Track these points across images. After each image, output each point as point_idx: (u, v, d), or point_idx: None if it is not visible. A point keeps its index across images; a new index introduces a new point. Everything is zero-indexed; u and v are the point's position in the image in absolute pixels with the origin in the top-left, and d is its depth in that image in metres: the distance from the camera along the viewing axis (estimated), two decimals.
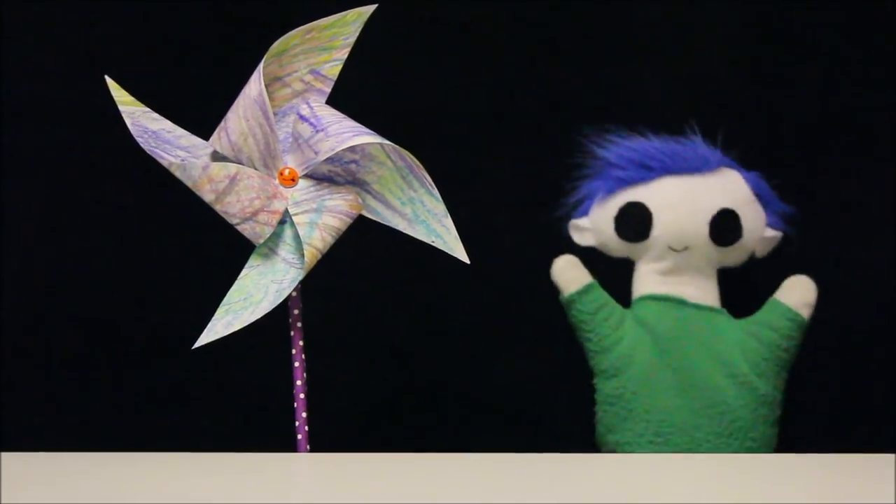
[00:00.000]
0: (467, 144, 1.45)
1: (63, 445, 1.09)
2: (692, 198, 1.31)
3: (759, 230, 1.33)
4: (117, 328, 1.46)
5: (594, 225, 1.34)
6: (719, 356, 1.29)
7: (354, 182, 1.12)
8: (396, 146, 1.09)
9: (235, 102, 1.09)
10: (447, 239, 1.11)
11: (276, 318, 1.11)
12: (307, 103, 1.11)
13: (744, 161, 1.36)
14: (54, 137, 1.45)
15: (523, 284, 1.45)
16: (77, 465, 1.03)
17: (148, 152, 1.09)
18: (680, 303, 1.31)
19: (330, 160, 1.09)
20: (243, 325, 1.08)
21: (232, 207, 1.08)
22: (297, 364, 1.13)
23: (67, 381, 1.46)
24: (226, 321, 1.08)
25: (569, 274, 1.33)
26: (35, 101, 1.45)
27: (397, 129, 1.16)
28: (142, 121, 1.10)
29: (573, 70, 1.45)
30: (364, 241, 1.17)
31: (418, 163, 1.10)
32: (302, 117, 1.10)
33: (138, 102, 1.10)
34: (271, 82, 1.09)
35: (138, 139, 1.09)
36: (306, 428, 1.13)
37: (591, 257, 1.34)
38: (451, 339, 1.47)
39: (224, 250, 1.12)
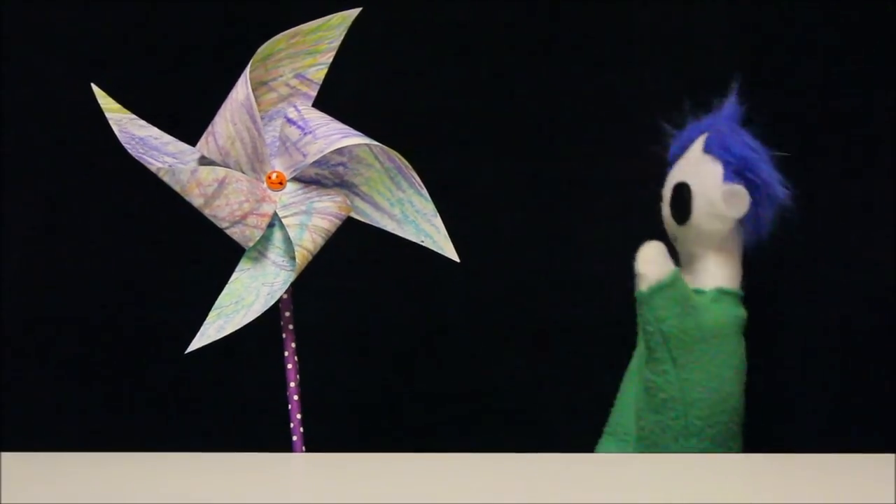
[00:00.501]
0: (467, 145, 1.45)
1: (63, 445, 1.08)
2: (666, 186, 1.31)
3: (711, 190, 1.27)
4: (116, 329, 1.46)
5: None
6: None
7: (342, 184, 1.12)
8: (385, 147, 1.09)
9: (222, 107, 1.09)
10: (437, 238, 1.11)
11: (269, 321, 1.11)
12: (294, 106, 1.11)
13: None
14: (54, 137, 1.45)
15: (522, 284, 1.45)
16: (76, 465, 1.03)
17: (136, 159, 1.09)
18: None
19: (317, 163, 1.09)
20: (236, 328, 1.08)
21: (221, 211, 1.08)
22: (290, 365, 1.13)
23: (67, 381, 1.46)
24: (218, 325, 1.08)
25: (653, 264, 1.27)
26: (35, 101, 1.45)
27: (394, 129, 1.16)
28: (129, 128, 1.10)
29: (573, 70, 1.45)
30: (356, 242, 1.17)
31: (407, 163, 1.10)
32: (289, 120, 1.10)
33: (125, 110, 1.10)
34: (257, 87, 1.09)
35: (126, 146, 1.09)
36: (301, 429, 1.13)
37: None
38: (446, 340, 1.47)
39: (224, 251, 1.12)
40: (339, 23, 1.11)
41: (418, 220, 1.11)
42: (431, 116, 1.45)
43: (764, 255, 1.37)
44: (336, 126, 1.10)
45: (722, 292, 1.29)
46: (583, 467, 1.07)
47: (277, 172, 1.10)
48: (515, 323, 1.45)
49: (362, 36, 1.13)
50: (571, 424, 1.41)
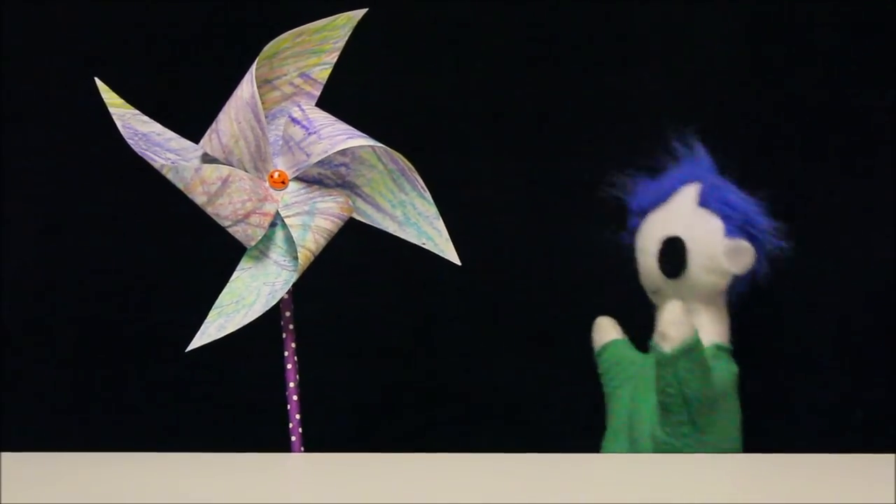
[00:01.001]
0: (467, 145, 1.45)
1: (63, 445, 1.08)
2: (646, 237, 1.32)
3: (710, 247, 1.29)
4: (116, 329, 1.46)
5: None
6: None
7: (344, 185, 1.12)
8: (388, 149, 1.09)
9: (227, 105, 1.09)
10: (438, 241, 1.11)
11: (269, 321, 1.11)
12: (299, 106, 1.11)
13: (742, 160, 1.35)
14: (54, 137, 1.45)
15: (521, 285, 1.45)
16: (76, 465, 1.03)
17: (139, 154, 1.08)
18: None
19: (320, 163, 1.09)
20: (236, 327, 1.08)
21: (224, 209, 1.08)
22: (289, 365, 1.13)
23: (67, 381, 1.46)
24: (218, 324, 1.08)
25: (604, 331, 1.35)
26: (35, 101, 1.45)
27: (397, 130, 1.16)
28: (132, 123, 1.10)
29: (573, 71, 1.45)
30: (357, 243, 1.17)
31: (410, 165, 1.10)
32: (294, 120, 1.09)
33: (128, 105, 1.10)
34: (261, 85, 1.09)
35: (129, 141, 1.09)
36: (300, 429, 1.13)
37: None
38: (445, 340, 1.47)
39: (223, 251, 1.12)
40: (345, 23, 1.11)
41: (420, 223, 1.11)
42: (432, 117, 1.45)
43: (764, 255, 1.37)
44: (341, 127, 1.10)
45: (719, 348, 1.31)
46: (583, 467, 1.07)
47: (280, 171, 1.10)
48: (515, 323, 1.45)
49: (366, 36, 1.13)
50: (571, 424, 1.41)
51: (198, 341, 1.08)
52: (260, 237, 1.09)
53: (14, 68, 1.45)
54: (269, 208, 1.09)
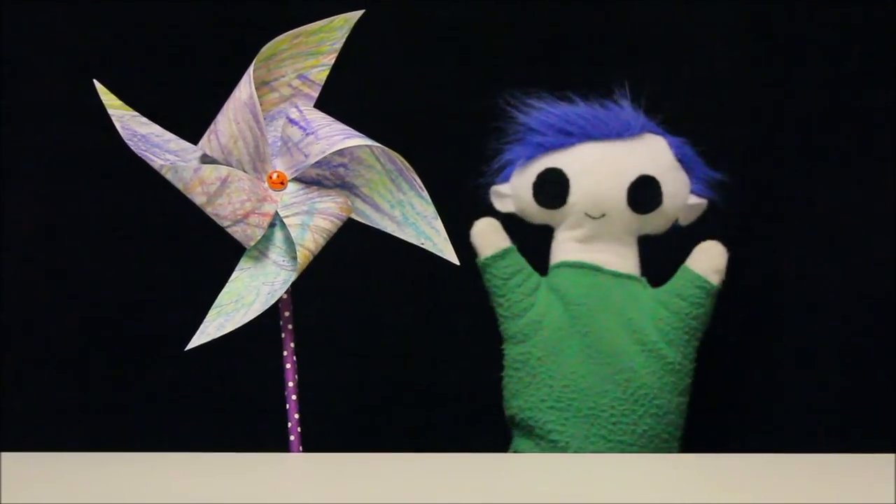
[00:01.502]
0: (466, 145, 1.45)
1: (63, 445, 1.08)
2: (611, 163, 1.30)
3: (680, 197, 1.31)
4: (116, 329, 1.46)
5: (514, 191, 1.33)
6: (630, 323, 1.28)
7: (343, 185, 1.12)
8: (386, 149, 1.09)
9: (225, 106, 1.09)
10: (437, 241, 1.11)
11: (268, 320, 1.11)
12: (296, 107, 1.11)
13: (743, 160, 1.36)
14: (54, 137, 1.45)
15: None
16: (76, 465, 1.03)
17: (139, 155, 1.09)
18: (595, 270, 1.30)
19: (318, 164, 1.09)
20: (235, 326, 1.08)
21: (223, 210, 1.09)
22: (288, 365, 1.13)
23: (67, 381, 1.46)
24: (218, 323, 1.08)
25: (487, 237, 1.32)
26: (35, 101, 1.45)
27: (395, 131, 1.16)
28: (131, 124, 1.10)
29: (573, 71, 1.45)
30: (356, 243, 1.17)
31: (408, 165, 1.10)
32: (291, 121, 1.10)
33: (126, 106, 1.10)
34: (259, 87, 1.09)
35: (128, 142, 1.09)
36: (299, 429, 1.13)
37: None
38: (444, 340, 1.47)
39: (223, 251, 1.12)
40: (342, 24, 1.11)
41: (419, 223, 1.11)
42: (432, 116, 1.45)
43: (763, 255, 1.37)
44: (338, 127, 1.10)
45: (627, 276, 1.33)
46: (583, 467, 1.07)
47: (279, 172, 1.10)
48: None
49: (364, 37, 1.13)
50: None
51: (197, 340, 1.08)
52: (259, 237, 1.10)
53: (14, 68, 1.45)
54: (268, 209, 1.09)
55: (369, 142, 1.09)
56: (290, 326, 1.13)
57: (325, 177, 1.11)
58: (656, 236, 1.33)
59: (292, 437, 1.13)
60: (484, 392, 1.40)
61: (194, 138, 1.11)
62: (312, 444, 1.13)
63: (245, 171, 1.09)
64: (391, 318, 1.47)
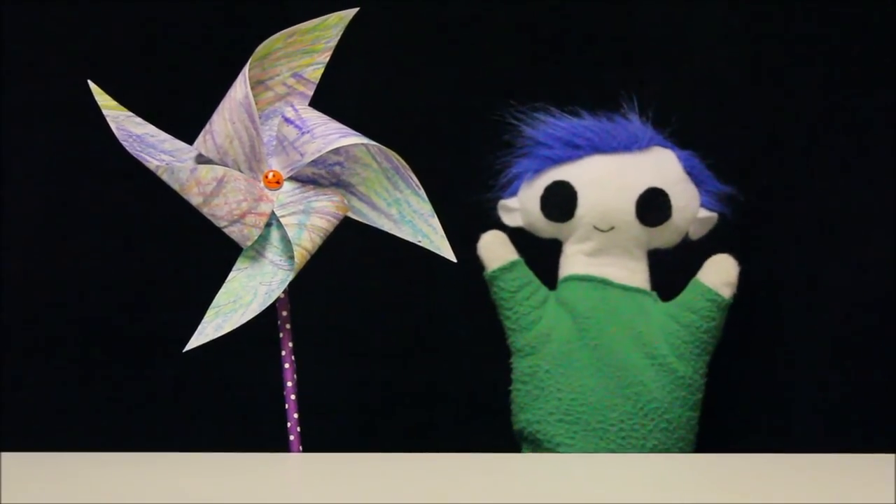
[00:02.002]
0: (466, 145, 1.45)
1: (63, 445, 1.08)
2: (619, 176, 1.29)
3: (690, 210, 1.30)
4: (116, 329, 1.46)
5: (522, 205, 1.33)
6: (640, 337, 1.28)
7: (339, 184, 1.12)
8: (382, 147, 1.09)
9: (220, 105, 1.09)
10: (434, 238, 1.11)
11: (266, 320, 1.11)
12: (292, 106, 1.11)
13: (742, 161, 1.36)
14: (54, 137, 1.45)
15: None
16: (76, 465, 1.03)
17: (134, 156, 1.09)
18: (604, 283, 1.30)
19: (314, 162, 1.09)
20: (233, 327, 1.08)
21: (219, 210, 1.08)
22: (287, 365, 1.13)
23: (67, 381, 1.46)
24: (216, 324, 1.08)
25: (494, 250, 1.32)
26: (35, 101, 1.45)
27: (392, 129, 1.16)
28: (126, 125, 1.10)
29: (574, 70, 1.45)
30: (354, 242, 1.17)
31: (404, 163, 1.10)
32: (287, 120, 1.10)
33: (121, 107, 1.10)
34: (254, 86, 1.09)
35: (123, 143, 1.09)
36: (298, 429, 1.13)
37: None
38: (443, 340, 1.47)
39: (222, 251, 1.12)
40: (336, 22, 1.11)
41: (415, 221, 1.11)
42: (430, 116, 1.45)
43: (763, 255, 1.37)
44: (334, 126, 1.10)
45: (638, 290, 1.32)
46: (583, 467, 1.07)
47: (274, 172, 1.10)
48: None
49: (359, 35, 1.13)
50: None
51: (195, 341, 1.08)
52: (256, 237, 1.09)
53: (14, 68, 1.45)
54: (265, 208, 1.09)
55: (365, 140, 1.09)
56: (288, 326, 1.13)
57: (321, 175, 1.11)
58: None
59: (292, 437, 1.13)
60: (484, 392, 1.40)
61: (189, 138, 1.11)
62: (312, 444, 1.13)
63: (241, 171, 1.09)
64: (389, 317, 1.47)
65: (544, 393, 1.28)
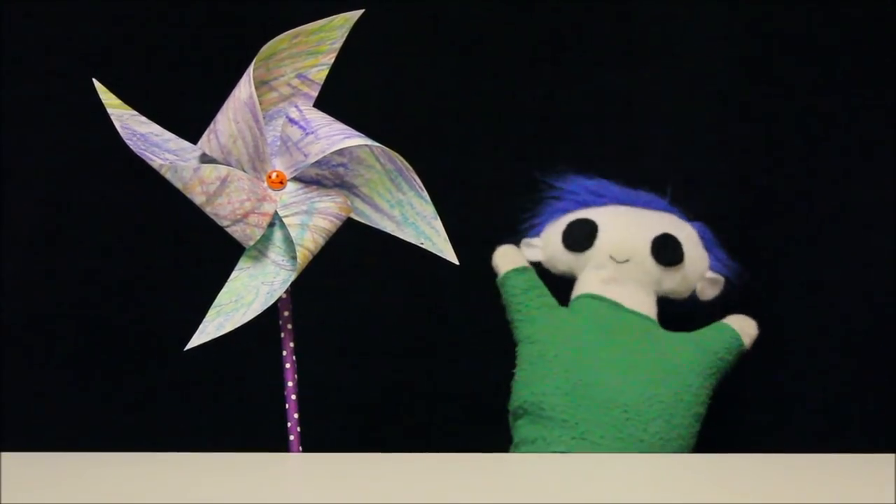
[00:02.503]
0: (466, 146, 1.45)
1: (63, 445, 1.08)
2: (638, 218, 1.35)
3: (701, 264, 1.36)
4: (116, 328, 1.46)
5: (544, 241, 1.38)
6: (650, 352, 1.30)
7: (342, 185, 1.12)
8: (386, 149, 1.09)
9: (225, 105, 1.09)
10: (436, 241, 1.11)
11: (268, 320, 1.11)
12: (296, 106, 1.11)
13: (741, 161, 1.36)
14: (54, 137, 1.45)
15: None
16: (76, 465, 1.03)
17: (138, 154, 1.09)
18: (616, 305, 1.33)
19: (318, 163, 1.09)
20: (235, 326, 1.08)
21: (223, 209, 1.08)
22: (288, 365, 1.13)
23: (67, 381, 1.46)
24: (217, 323, 1.08)
25: (507, 257, 1.37)
26: (35, 101, 1.45)
27: (394, 130, 1.16)
28: (130, 124, 1.10)
29: (573, 70, 1.45)
30: (356, 243, 1.17)
31: (408, 165, 1.10)
32: (291, 120, 1.10)
33: (126, 105, 1.10)
34: (259, 86, 1.09)
35: (127, 141, 1.09)
36: (298, 428, 1.13)
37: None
38: (444, 340, 1.47)
39: (223, 251, 1.12)
40: (342, 24, 1.11)
41: (418, 223, 1.11)
42: (431, 117, 1.45)
43: (763, 255, 1.37)
44: (338, 127, 1.10)
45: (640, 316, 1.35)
46: (583, 467, 1.07)
47: (278, 172, 1.10)
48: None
49: (363, 36, 1.13)
50: None
51: (197, 339, 1.08)
52: (258, 237, 1.09)
53: (14, 68, 1.45)
54: (268, 208, 1.09)
55: (369, 141, 1.09)
56: (289, 326, 1.13)
57: (324, 176, 1.11)
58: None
59: (292, 437, 1.13)
60: (484, 392, 1.40)
61: (193, 138, 1.11)
62: (312, 444, 1.13)
63: (244, 171, 1.09)
64: (390, 318, 1.47)
65: (552, 372, 1.30)
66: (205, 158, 1.10)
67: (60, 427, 1.45)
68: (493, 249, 1.40)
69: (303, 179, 1.11)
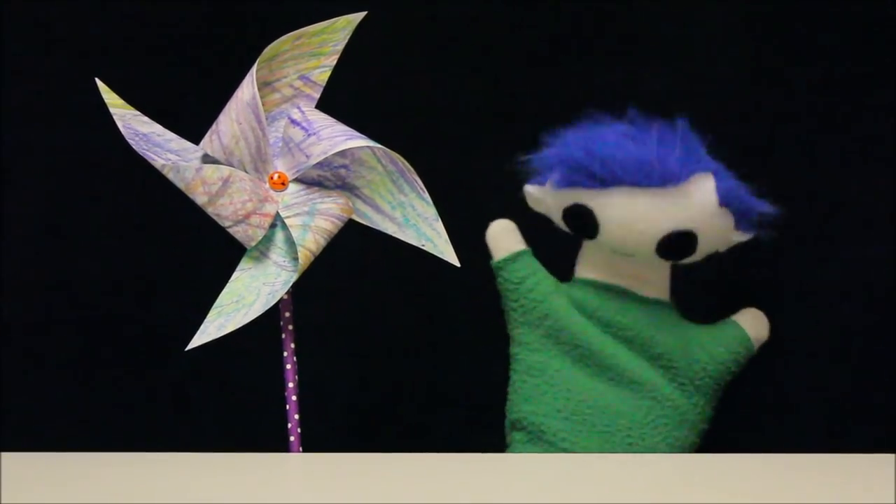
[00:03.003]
0: (467, 146, 1.45)
1: (63, 445, 1.08)
2: (643, 217, 1.24)
3: (719, 242, 1.28)
4: (116, 328, 1.46)
5: (545, 201, 1.30)
6: (659, 358, 1.29)
7: (344, 186, 1.12)
8: (388, 150, 1.10)
9: (227, 106, 1.09)
10: (438, 242, 1.11)
11: (269, 321, 1.11)
12: (298, 108, 1.11)
13: (742, 162, 1.35)
14: (54, 137, 1.45)
15: None
16: (76, 465, 1.03)
17: (140, 154, 1.09)
18: (622, 292, 1.30)
19: (320, 164, 1.10)
20: (236, 327, 1.08)
21: (224, 210, 1.09)
22: (289, 366, 1.13)
23: (67, 381, 1.46)
24: (218, 323, 1.09)
25: (500, 240, 1.32)
26: (35, 101, 1.45)
27: (396, 131, 1.16)
28: (132, 123, 1.10)
29: (574, 70, 1.45)
30: (356, 244, 1.17)
31: (410, 167, 1.10)
32: (293, 121, 1.10)
33: (128, 105, 1.10)
34: (261, 87, 1.09)
35: (130, 141, 1.09)
36: (298, 429, 1.13)
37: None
38: (444, 341, 1.47)
39: (224, 251, 1.13)
40: (344, 26, 1.12)
41: (420, 224, 1.11)
42: (432, 118, 1.45)
43: (763, 255, 1.37)
44: (340, 128, 1.10)
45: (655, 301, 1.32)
46: (583, 467, 1.07)
47: (280, 173, 1.10)
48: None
49: (365, 38, 1.13)
50: None
51: (197, 340, 1.08)
52: (260, 238, 1.10)
53: (14, 68, 1.45)
54: (270, 209, 1.09)
55: (371, 143, 1.09)
56: (290, 327, 1.13)
57: (326, 178, 1.11)
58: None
59: (292, 438, 1.13)
60: (484, 392, 1.40)
61: (196, 138, 1.11)
62: (312, 444, 1.13)
63: (246, 172, 1.09)
64: (392, 320, 1.47)
65: (553, 389, 1.28)
66: (207, 159, 1.11)
67: (60, 427, 1.45)
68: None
69: (304, 181, 1.11)
